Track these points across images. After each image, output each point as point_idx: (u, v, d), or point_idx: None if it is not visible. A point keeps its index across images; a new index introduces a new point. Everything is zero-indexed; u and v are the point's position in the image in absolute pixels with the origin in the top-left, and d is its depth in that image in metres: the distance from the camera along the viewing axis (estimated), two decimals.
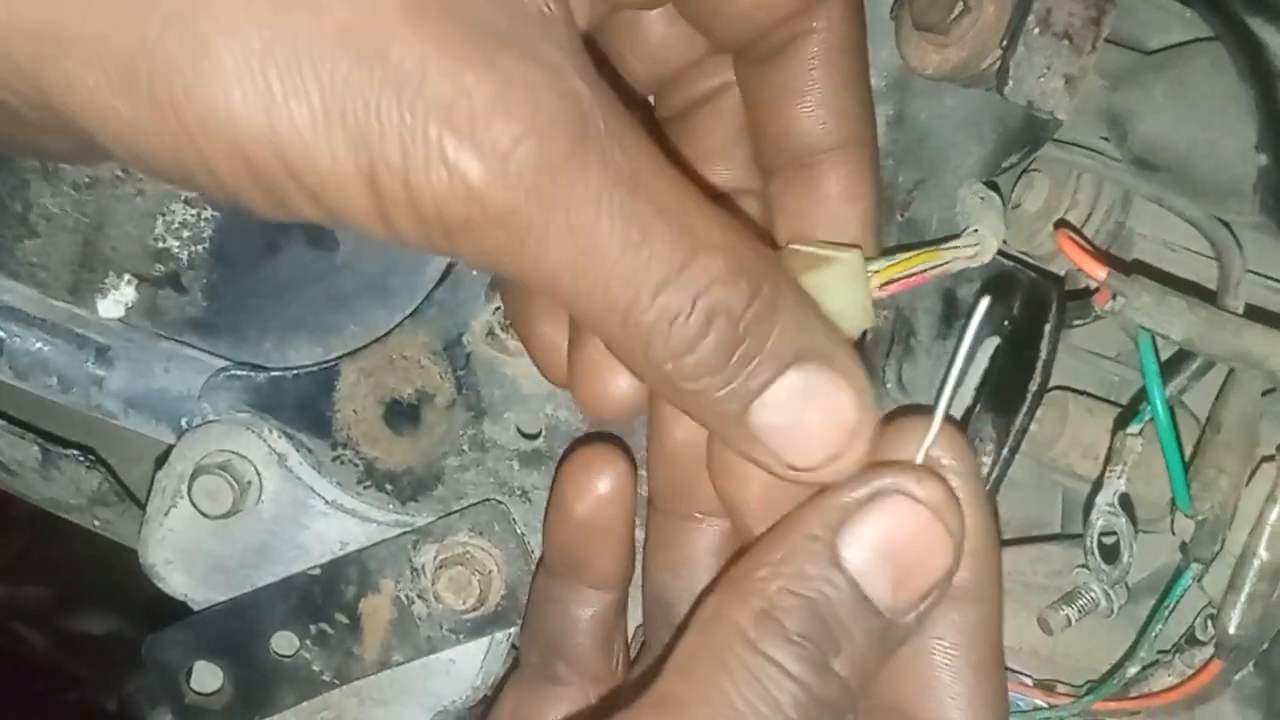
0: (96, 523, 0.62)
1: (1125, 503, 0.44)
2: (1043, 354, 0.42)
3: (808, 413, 0.33)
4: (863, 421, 0.33)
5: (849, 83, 0.39)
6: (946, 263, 0.39)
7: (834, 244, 0.37)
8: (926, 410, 0.34)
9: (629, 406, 0.39)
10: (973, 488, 0.35)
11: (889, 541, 0.33)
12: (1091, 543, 0.45)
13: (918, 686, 0.35)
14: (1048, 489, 0.56)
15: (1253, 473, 0.44)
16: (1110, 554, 0.45)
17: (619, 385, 0.39)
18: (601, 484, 0.43)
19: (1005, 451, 0.42)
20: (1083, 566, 0.47)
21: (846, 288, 0.36)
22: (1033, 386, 0.42)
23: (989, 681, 0.36)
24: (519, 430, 0.53)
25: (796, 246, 0.37)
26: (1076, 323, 0.47)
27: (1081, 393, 0.53)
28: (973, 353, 0.37)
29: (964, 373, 0.33)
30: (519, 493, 0.53)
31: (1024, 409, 0.42)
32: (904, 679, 0.36)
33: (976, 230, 0.42)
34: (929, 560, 0.33)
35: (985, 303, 0.33)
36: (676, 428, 0.40)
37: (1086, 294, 0.46)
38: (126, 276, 0.56)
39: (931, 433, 0.34)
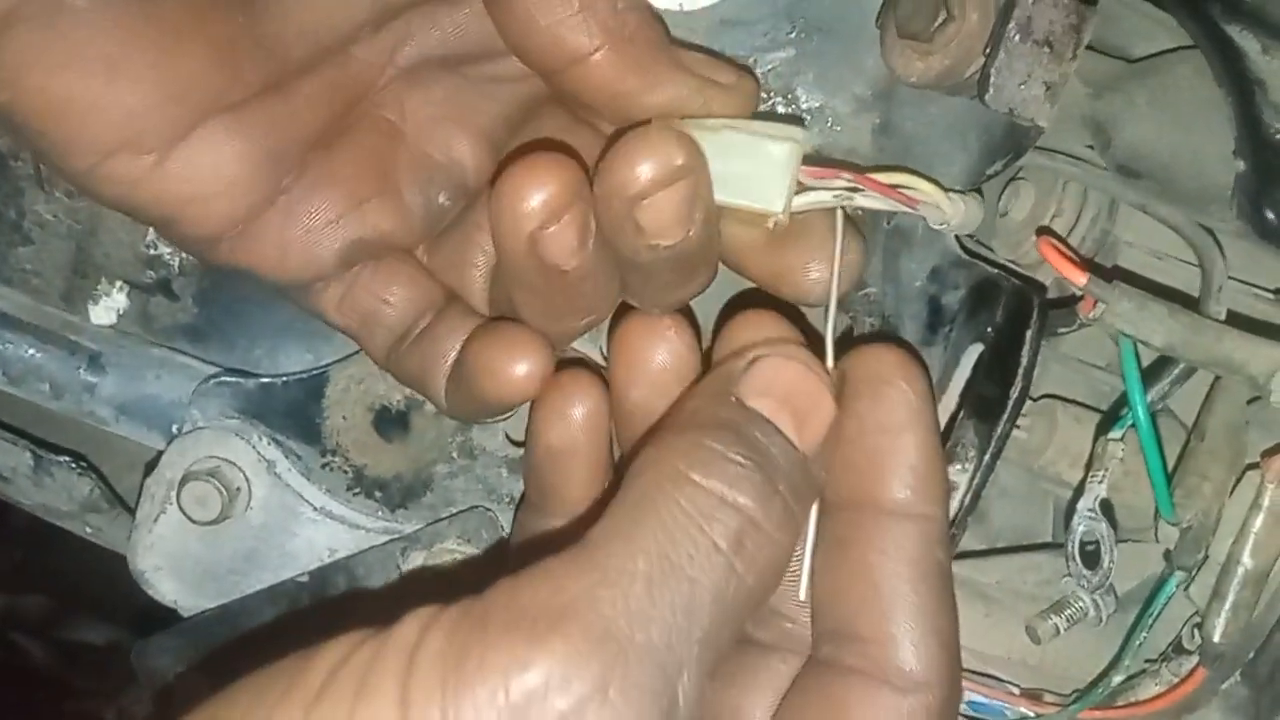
0: (88, 529, 0.62)
1: (1106, 508, 0.44)
2: (1024, 360, 0.42)
3: None
4: None
5: None
6: (913, 189, 0.39)
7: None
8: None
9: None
10: (917, 406, 0.36)
11: (778, 389, 0.35)
12: (1073, 548, 0.45)
13: (857, 603, 0.36)
14: (1039, 498, 0.56)
15: (1238, 480, 0.44)
16: (1091, 559, 0.45)
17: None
18: (575, 410, 0.42)
19: (987, 458, 0.42)
20: (1069, 575, 0.47)
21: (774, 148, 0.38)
22: (1014, 393, 0.42)
23: (931, 596, 0.35)
24: (508, 437, 0.53)
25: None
26: (1062, 330, 0.47)
27: (1071, 401, 0.53)
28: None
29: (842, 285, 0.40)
30: (507, 499, 0.53)
31: (1006, 415, 0.42)
32: (843, 598, 0.36)
33: (960, 191, 0.42)
34: (817, 403, 0.36)
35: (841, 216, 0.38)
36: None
37: (1073, 302, 0.46)
38: (118, 283, 0.56)
39: (829, 334, 0.38)
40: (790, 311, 0.40)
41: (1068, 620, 0.49)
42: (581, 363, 0.48)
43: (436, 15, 0.42)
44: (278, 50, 0.39)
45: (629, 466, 0.34)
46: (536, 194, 0.36)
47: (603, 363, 0.50)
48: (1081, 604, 0.49)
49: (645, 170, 0.36)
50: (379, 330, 0.44)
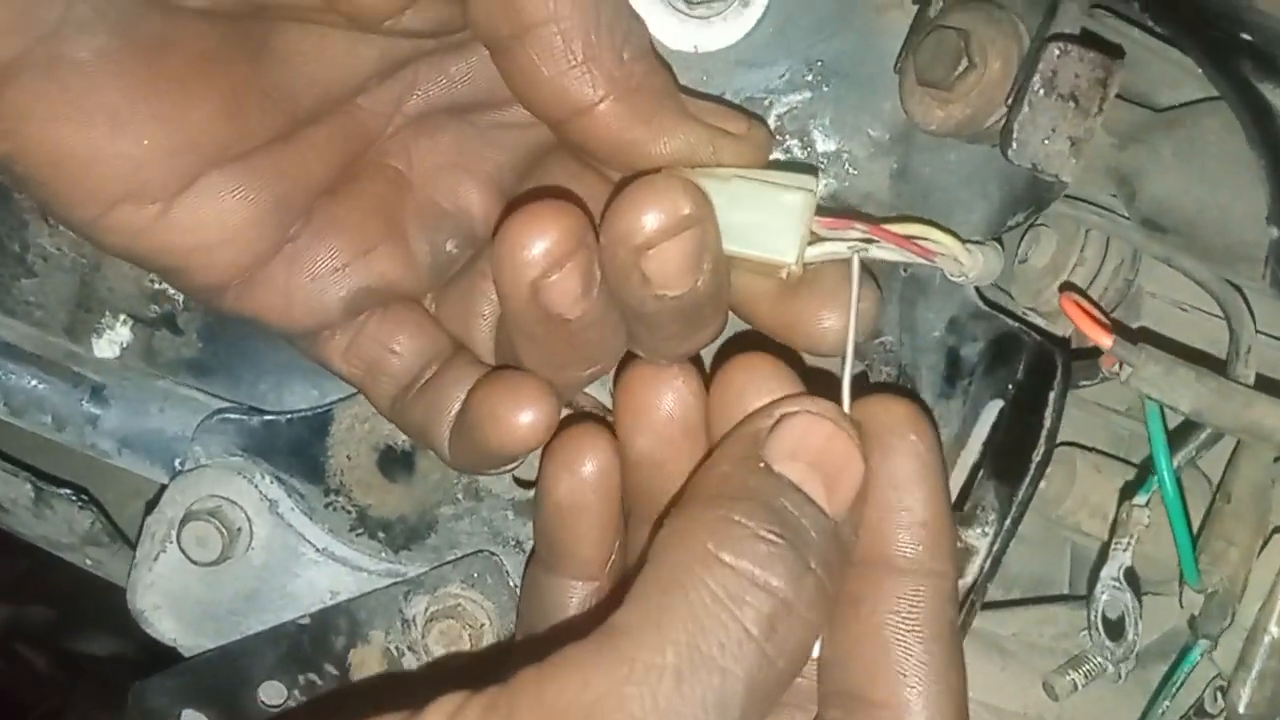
0: (89, 562, 0.61)
1: (1130, 577, 0.43)
2: (1047, 423, 0.41)
3: None
4: None
5: None
6: (929, 240, 0.39)
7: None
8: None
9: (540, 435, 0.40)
10: (928, 461, 0.35)
11: (808, 450, 0.34)
12: (1096, 616, 0.44)
13: (868, 665, 0.34)
14: (1056, 545, 0.55)
15: (1264, 544, 0.43)
16: (1115, 630, 0.44)
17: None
18: (585, 467, 0.41)
19: (1008, 523, 0.41)
20: (1086, 631, 0.46)
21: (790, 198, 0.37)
22: (1036, 456, 0.41)
23: (944, 657, 0.34)
24: (515, 479, 0.52)
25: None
26: (1084, 383, 0.46)
27: (1090, 449, 0.52)
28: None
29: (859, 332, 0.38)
30: (513, 543, 0.52)
31: (1027, 480, 0.41)
32: (853, 659, 0.35)
33: (979, 243, 0.41)
34: (847, 463, 0.34)
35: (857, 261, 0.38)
36: None
37: (1095, 354, 0.45)
38: (122, 317, 0.55)
39: (846, 375, 0.37)
40: (790, 356, 0.39)
41: (1085, 676, 0.48)
42: (591, 417, 0.47)
43: (444, 64, 0.41)
44: (285, 101, 0.38)
45: (656, 534, 0.33)
46: (538, 242, 0.35)
47: (610, 406, 0.50)
48: (1100, 660, 0.47)
49: (651, 219, 0.35)
50: (384, 379, 0.43)
